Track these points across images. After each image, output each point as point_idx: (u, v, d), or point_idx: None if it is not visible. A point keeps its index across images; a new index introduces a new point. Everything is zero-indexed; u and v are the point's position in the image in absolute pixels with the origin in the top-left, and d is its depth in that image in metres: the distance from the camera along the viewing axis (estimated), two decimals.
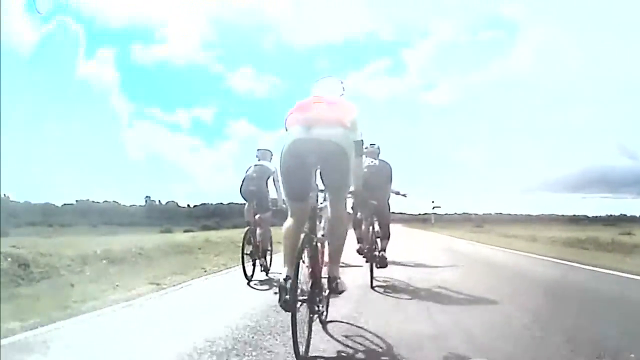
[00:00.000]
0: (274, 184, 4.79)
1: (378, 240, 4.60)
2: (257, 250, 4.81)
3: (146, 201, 29.40)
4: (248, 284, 4.50)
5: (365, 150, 4.50)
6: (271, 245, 5.06)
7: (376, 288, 4.11)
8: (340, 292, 2.43)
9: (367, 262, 4.48)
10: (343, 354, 2.30)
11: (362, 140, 2.54)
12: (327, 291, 2.47)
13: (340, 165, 2.26)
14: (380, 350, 2.35)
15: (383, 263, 4.48)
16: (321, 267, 2.37)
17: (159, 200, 32.22)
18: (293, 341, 2.02)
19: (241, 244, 4.77)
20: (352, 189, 2.70)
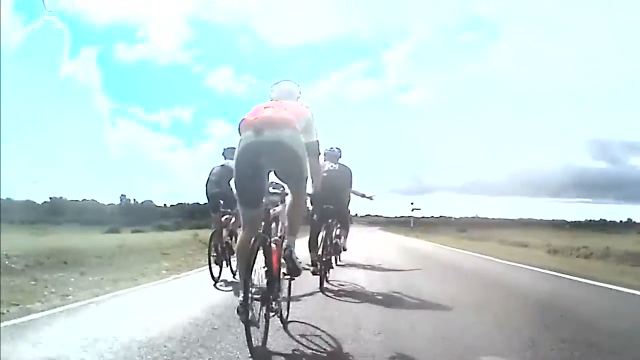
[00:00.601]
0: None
1: (337, 240, 4.95)
2: (223, 253, 4.91)
3: (121, 200, 29.00)
4: (214, 285, 4.59)
5: (325, 153, 4.70)
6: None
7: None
8: (295, 260, 2.51)
9: (316, 273, 4.37)
10: (297, 352, 2.44)
11: (317, 141, 2.72)
12: (286, 292, 2.67)
13: (292, 164, 2.42)
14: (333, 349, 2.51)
15: (337, 251, 5.12)
16: (276, 267, 2.49)
17: (134, 199, 31.89)
18: (247, 335, 2.19)
19: (208, 247, 4.87)
20: (310, 191, 2.90)
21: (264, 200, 2.49)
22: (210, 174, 5.09)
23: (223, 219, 4.99)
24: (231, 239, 5.04)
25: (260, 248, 2.38)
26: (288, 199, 2.61)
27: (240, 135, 2.44)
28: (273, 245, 2.52)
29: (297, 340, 2.61)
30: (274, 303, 2.43)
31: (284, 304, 2.80)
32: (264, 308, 2.36)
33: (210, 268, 4.70)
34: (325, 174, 4.51)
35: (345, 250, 5.41)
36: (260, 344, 2.32)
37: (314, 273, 4.39)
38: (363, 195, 5.38)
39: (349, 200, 5.15)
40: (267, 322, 2.42)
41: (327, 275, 4.60)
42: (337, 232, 5.07)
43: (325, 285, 4.34)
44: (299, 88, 2.96)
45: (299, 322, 2.98)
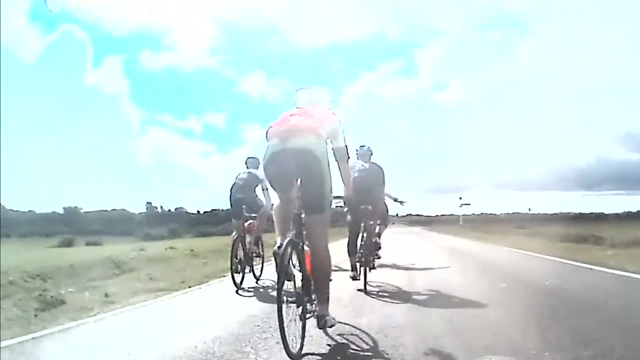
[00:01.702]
0: (263, 192, 5.14)
1: (377, 239, 5.05)
2: (247, 258, 5.10)
3: (147, 208, 30.21)
4: (237, 292, 4.77)
5: (356, 152, 4.83)
6: (263, 252, 5.43)
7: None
8: (330, 327, 2.68)
9: (356, 278, 4.51)
10: (336, 352, 2.56)
11: (346, 146, 2.91)
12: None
13: (315, 173, 2.57)
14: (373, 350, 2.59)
15: (376, 248, 5.15)
16: (310, 270, 2.63)
17: (161, 206, 33.28)
18: (282, 338, 2.29)
19: (230, 252, 5.03)
20: (343, 194, 3.03)
21: (297, 206, 2.64)
22: (235, 179, 5.36)
23: (246, 224, 5.20)
24: (257, 245, 5.27)
25: (294, 251, 2.54)
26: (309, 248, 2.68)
27: (268, 142, 2.65)
28: (306, 248, 2.67)
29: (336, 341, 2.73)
30: (309, 305, 2.57)
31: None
32: (300, 310, 2.50)
33: (232, 274, 4.89)
34: (356, 174, 4.61)
35: (380, 248, 5.48)
36: (298, 346, 2.45)
37: (353, 278, 4.50)
38: (395, 200, 5.45)
39: (384, 199, 5.27)
40: (304, 324, 2.55)
41: (368, 274, 4.71)
42: (377, 230, 5.20)
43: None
44: (328, 93, 3.12)
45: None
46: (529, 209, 31.50)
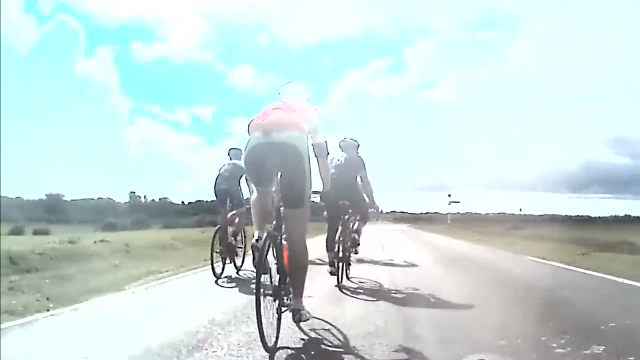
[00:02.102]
0: (247, 183, 5.12)
1: (355, 235, 5.06)
2: (228, 249, 5.20)
3: (130, 197, 30.01)
4: (216, 282, 4.84)
5: (339, 145, 4.91)
6: (244, 244, 5.54)
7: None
8: (305, 321, 2.76)
9: (334, 273, 4.51)
10: (311, 347, 2.63)
11: (325, 142, 2.99)
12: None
13: (296, 168, 2.64)
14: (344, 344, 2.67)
15: (355, 244, 5.14)
16: (287, 264, 2.69)
17: (145, 196, 33.11)
18: (259, 331, 2.34)
19: (211, 242, 5.12)
20: (321, 189, 3.11)
21: (274, 199, 2.71)
22: (220, 171, 5.43)
23: (228, 215, 5.26)
24: (235, 239, 5.31)
25: (272, 244, 2.59)
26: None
27: (250, 135, 2.69)
28: (284, 242, 2.73)
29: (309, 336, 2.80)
30: (285, 298, 2.63)
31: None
32: (276, 303, 2.56)
33: (212, 264, 4.97)
34: (333, 169, 4.59)
35: (358, 244, 5.49)
36: (274, 339, 2.51)
37: (331, 273, 4.55)
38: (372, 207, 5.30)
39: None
40: (280, 317, 2.61)
41: (348, 272, 4.84)
42: (356, 226, 5.23)
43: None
44: (308, 88, 3.21)
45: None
46: (520, 210, 32.11)
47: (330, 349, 2.62)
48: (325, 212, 4.88)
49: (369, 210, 5.28)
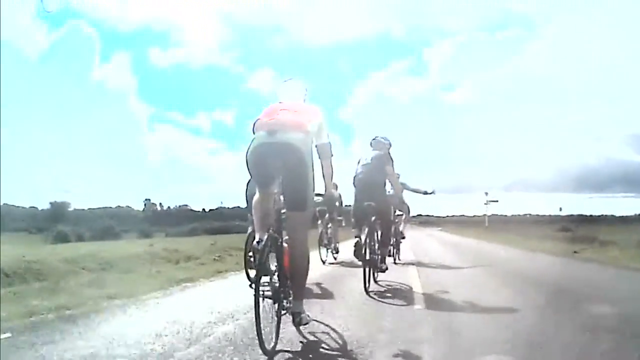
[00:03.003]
0: (247, 184, 5.17)
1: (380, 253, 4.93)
2: None
3: (145, 205, 30.76)
4: (250, 286, 4.99)
5: (370, 144, 4.96)
6: None
7: None
8: (305, 324, 2.82)
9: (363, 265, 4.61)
10: (309, 350, 2.72)
11: (329, 143, 3.04)
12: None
13: (299, 170, 2.72)
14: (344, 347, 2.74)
15: (382, 269, 4.90)
16: (288, 267, 2.79)
17: (160, 204, 33.96)
18: (257, 333, 2.43)
19: (244, 247, 5.23)
20: (323, 192, 3.20)
21: (275, 190, 2.80)
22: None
23: None
24: None
25: (272, 247, 2.68)
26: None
27: (254, 134, 2.79)
28: (285, 245, 2.83)
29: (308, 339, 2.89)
30: (285, 301, 2.71)
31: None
32: (276, 306, 2.66)
33: (246, 269, 5.13)
34: (360, 170, 4.77)
35: (404, 238, 5.50)
36: (273, 342, 2.60)
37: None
38: (425, 192, 5.25)
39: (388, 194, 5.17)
40: (279, 320, 2.70)
41: (376, 276, 4.91)
42: (401, 228, 5.21)
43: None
44: (306, 87, 3.29)
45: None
46: (560, 209, 30.77)
47: (329, 352, 2.70)
48: (352, 214, 4.95)
49: (397, 214, 5.07)
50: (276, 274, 2.71)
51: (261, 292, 2.52)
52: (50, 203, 30.03)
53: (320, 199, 3.19)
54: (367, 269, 4.58)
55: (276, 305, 2.66)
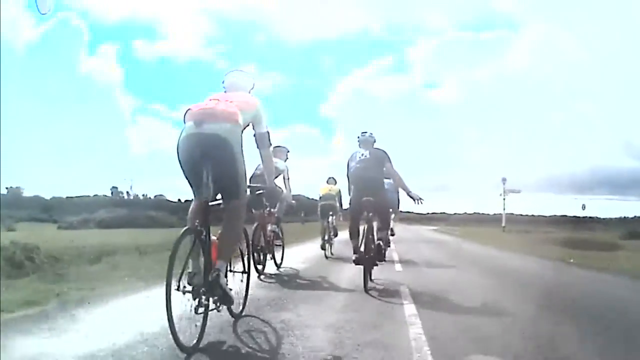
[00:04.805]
0: (284, 182, 5.69)
1: (380, 242, 5.12)
2: (267, 246, 5.83)
3: (112, 193, 30.49)
4: (259, 277, 5.37)
5: (357, 139, 5.19)
6: (283, 241, 6.40)
7: None
8: (220, 284, 2.77)
9: (359, 263, 4.92)
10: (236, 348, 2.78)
11: (267, 132, 3.18)
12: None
13: (225, 158, 2.79)
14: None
15: (380, 256, 5.15)
16: (215, 261, 2.82)
17: (127, 192, 33.84)
18: (170, 329, 2.45)
19: (251, 240, 5.45)
20: (267, 185, 3.40)
21: (204, 193, 2.81)
22: (255, 170, 5.62)
23: (266, 212, 5.87)
24: (272, 236, 6.04)
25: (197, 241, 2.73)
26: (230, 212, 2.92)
27: (184, 124, 2.85)
28: (213, 238, 2.88)
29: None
30: (203, 298, 2.72)
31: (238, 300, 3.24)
32: (196, 302, 2.68)
33: (254, 262, 5.37)
34: (357, 164, 5.04)
35: (393, 235, 5.81)
36: (195, 340, 2.65)
37: (356, 263, 4.93)
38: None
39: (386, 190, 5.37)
40: (206, 317, 2.76)
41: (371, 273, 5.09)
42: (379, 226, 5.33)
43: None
44: (251, 78, 3.45)
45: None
46: (583, 207, 30.09)
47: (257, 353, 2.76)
48: (349, 208, 5.18)
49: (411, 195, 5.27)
50: (201, 267, 2.76)
51: (179, 287, 2.57)
52: (7, 188, 29.62)
53: (262, 191, 3.25)
54: (365, 267, 4.84)
55: (196, 301, 2.68)
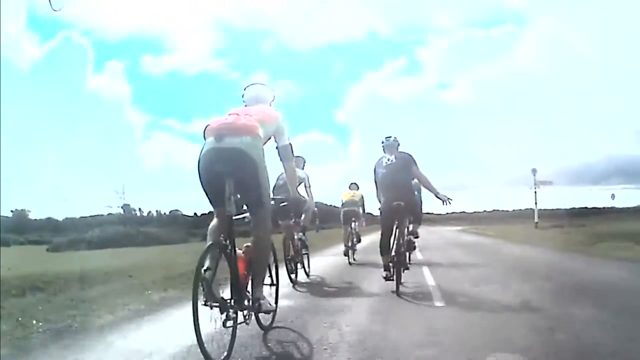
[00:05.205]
0: (306, 190, 5.86)
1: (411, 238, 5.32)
2: (297, 255, 5.98)
3: (124, 210, 30.73)
4: (293, 286, 5.57)
5: (382, 144, 5.26)
6: (307, 249, 6.46)
7: None
8: (266, 312, 2.99)
9: (389, 278, 4.95)
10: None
11: (290, 145, 3.22)
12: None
13: (250, 173, 2.82)
14: None
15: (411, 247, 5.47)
16: (243, 274, 2.88)
17: (139, 209, 34.30)
18: (199, 344, 2.47)
19: (283, 252, 5.69)
20: (290, 195, 3.45)
21: (227, 207, 2.83)
22: (277, 180, 5.76)
23: (292, 222, 5.95)
24: (300, 246, 6.17)
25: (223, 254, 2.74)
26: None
27: (205, 140, 2.90)
28: (239, 252, 2.90)
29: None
30: (231, 311, 2.73)
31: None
32: (224, 316, 2.69)
33: (288, 272, 5.71)
34: (384, 170, 5.11)
35: (417, 237, 5.99)
36: (225, 354, 2.66)
37: (386, 279, 4.96)
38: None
39: (416, 192, 5.57)
40: (234, 331, 2.77)
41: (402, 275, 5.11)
42: (411, 228, 5.57)
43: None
44: (272, 91, 3.50)
45: None
46: (613, 197, 28.15)
47: None
48: (380, 214, 5.24)
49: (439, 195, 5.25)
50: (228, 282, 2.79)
51: (206, 303, 2.59)
52: (12, 211, 30.23)
53: (286, 203, 3.29)
54: (395, 270, 4.89)
55: (224, 314, 2.69)
